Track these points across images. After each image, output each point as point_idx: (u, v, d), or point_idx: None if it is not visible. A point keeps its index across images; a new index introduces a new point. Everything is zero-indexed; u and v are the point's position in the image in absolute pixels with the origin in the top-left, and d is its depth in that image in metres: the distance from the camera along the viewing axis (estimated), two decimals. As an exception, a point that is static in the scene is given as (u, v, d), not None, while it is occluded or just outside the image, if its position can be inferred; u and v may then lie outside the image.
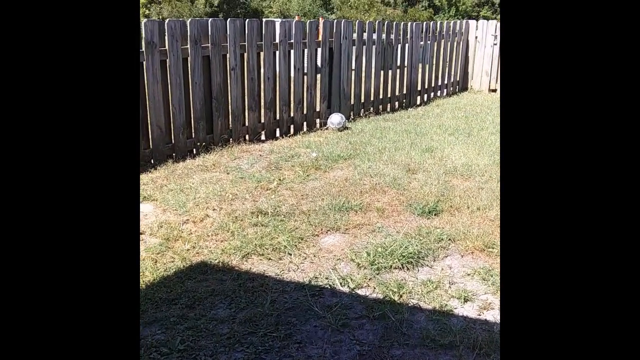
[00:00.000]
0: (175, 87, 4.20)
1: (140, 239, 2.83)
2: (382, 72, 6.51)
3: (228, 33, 4.51)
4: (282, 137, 5.18)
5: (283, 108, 5.20)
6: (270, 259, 2.61)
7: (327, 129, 5.52)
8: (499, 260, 2.44)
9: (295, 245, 2.75)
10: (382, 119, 6.09)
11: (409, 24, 6.91)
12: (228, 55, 4.56)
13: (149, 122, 4.08)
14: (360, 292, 2.34)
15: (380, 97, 6.56)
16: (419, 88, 7.27)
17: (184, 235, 2.85)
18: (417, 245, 2.72)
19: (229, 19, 4.56)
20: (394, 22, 6.66)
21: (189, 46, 4.22)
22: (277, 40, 5.00)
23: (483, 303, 2.26)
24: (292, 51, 5.16)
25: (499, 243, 2.59)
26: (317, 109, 5.64)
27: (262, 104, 5.01)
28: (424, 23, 7.25)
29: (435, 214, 3.19)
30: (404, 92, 6.97)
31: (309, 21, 5.40)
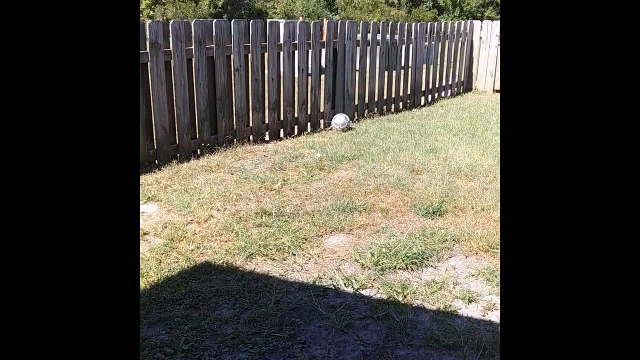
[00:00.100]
0: (180, 88, 4.21)
1: (145, 239, 2.84)
2: (386, 73, 6.51)
3: (232, 34, 4.52)
4: (286, 138, 5.18)
5: (287, 109, 5.21)
6: (274, 259, 2.61)
7: (331, 129, 5.52)
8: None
9: (299, 246, 2.75)
10: (386, 120, 6.08)
11: (413, 24, 6.90)
12: (232, 56, 4.57)
13: (153, 122, 4.10)
14: (365, 292, 2.34)
15: (385, 97, 6.55)
16: (423, 88, 7.26)
17: (188, 235, 2.86)
18: (421, 246, 2.71)
19: (233, 20, 4.57)
20: (398, 23, 6.65)
21: (193, 47, 4.23)
22: (281, 41, 5.01)
23: (487, 304, 2.25)
24: (296, 52, 5.16)
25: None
26: (321, 110, 5.64)
27: (266, 104, 5.02)
28: (428, 23, 7.24)
29: (439, 215, 3.19)
30: (408, 92, 6.96)
31: (313, 22, 5.40)
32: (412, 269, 2.53)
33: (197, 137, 4.46)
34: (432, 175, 3.91)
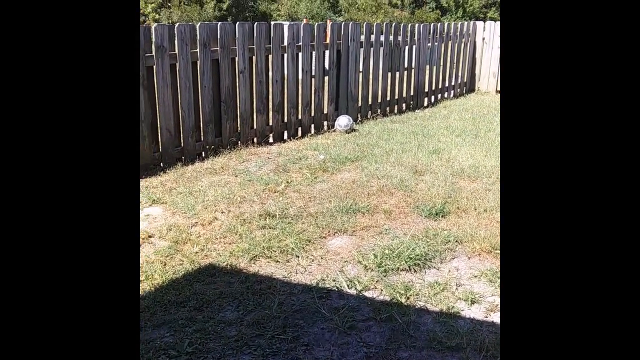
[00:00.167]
0: (185, 91, 4.24)
1: (150, 241, 2.86)
2: (389, 74, 6.52)
3: (237, 36, 4.54)
4: (290, 140, 5.20)
5: (291, 110, 5.23)
6: (277, 261, 2.63)
7: (334, 131, 5.54)
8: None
9: (303, 248, 2.76)
10: (389, 121, 6.09)
11: (416, 25, 6.91)
12: (237, 59, 4.59)
13: (158, 125, 4.12)
14: (368, 294, 2.35)
15: (388, 98, 6.56)
16: (426, 90, 7.27)
17: (193, 237, 2.88)
18: (424, 247, 2.72)
19: (237, 23, 4.59)
20: (401, 24, 6.66)
21: (198, 50, 4.26)
22: (285, 43, 5.03)
23: (490, 305, 2.26)
24: (300, 54, 5.18)
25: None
26: (325, 111, 5.66)
27: (270, 106, 5.04)
28: (431, 24, 7.24)
29: (442, 216, 3.20)
30: (411, 93, 6.97)
31: (316, 24, 5.42)
32: (415, 271, 2.54)
33: (202, 139, 4.48)
34: (435, 177, 3.91)
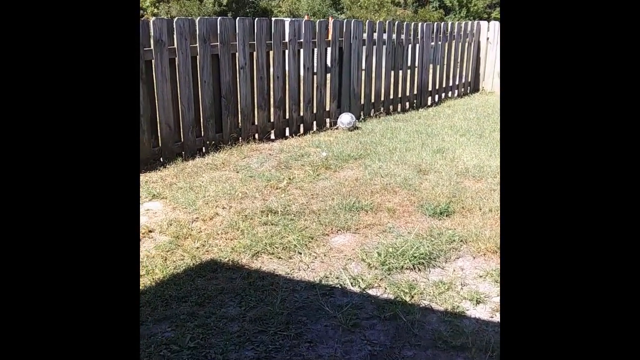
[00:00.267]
0: (184, 86, 4.20)
1: (150, 236, 2.82)
2: (392, 72, 6.48)
3: (237, 32, 4.50)
4: (292, 136, 5.16)
5: (292, 107, 5.19)
6: (280, 257, 2.59)
7: (337, 128, 5.50)
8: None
9: (306, 245, 2.73)
10: (392, 119, 6.06)
11: (420, 24, 6.87)
12: (237, 54, 4.55)
13: (158, 120, 4.08)
14: (371, 292, 2.31)
15: (391, 97, 6.52)
16: (429, 88, 7.23)
17: (194, 233, 2.84)
18: (428, 246, 2.69)
19: (238, 18, 4.55)
20: (405, 23, 6.62)
21: (197, 45, 4.22)
22: (287, 40, 4.99)
23: (496, 305, 2.23)
24: (301, 50, 5.14)
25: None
26: (327, 109, 5.62)
27: (272, 102, 5.00)
28: (435, 24, 7.21)
29: (446, 215, 3.16)
30: (415, 92, 6.93)
31: (318, 20, 5.38)
32: (419, 269, 2.51)
33: (202, 135, 4.44)
34: (439, 176, 3.88)
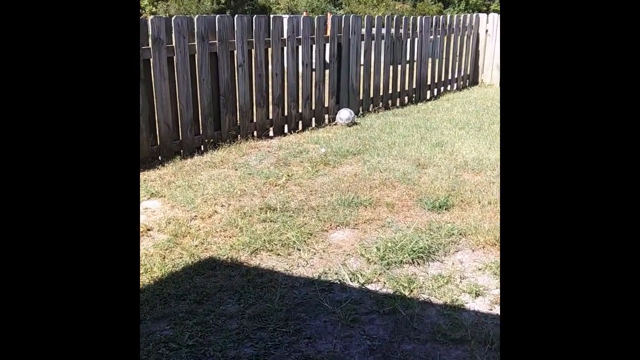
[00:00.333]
0: (183, 84, 4.19)
1: (149, 235, 2.82)
2: (391, 67, 6.46)
3: (235, 29, 4.49)
4: (291, 133, 5.16)
5: (291, 104, 5.18)
6: (279, 254, 2.59)
7: (335, 124, 5.49)
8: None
9: (304, 241, 2.73)
10: (391, 114, 6.04)
11: (419, 18, 6.85)
12: (235, 52, 4.54)
13: (156, 118, 4.08)
14: (370, 287, 2.31)
15: (390, 91, 6.50)
16: (428, 82, 7.21)
17: (192, 231, 2.85)
18: (427, 240, 2.69)
19: (236, 15, 4.54)
20: (403, 17, 6.60)
21: (196, 43, 4.21)
22: (285, 36, 4.97)
23: (495, 298, 2.23)
24: (300, 47, 5.13)
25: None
26: (326, 105, 5.61)
27: (270, 100, 4.99)
28: (434, 17, 7.18)
29: (445, 209, 3.16)
30: (414, 86, 6.91)
31: (317, 16, 5.37)
32: (418, 263, 2.51)
33: (201, 133, 4.44)
34: (439, 170, 3.87)
